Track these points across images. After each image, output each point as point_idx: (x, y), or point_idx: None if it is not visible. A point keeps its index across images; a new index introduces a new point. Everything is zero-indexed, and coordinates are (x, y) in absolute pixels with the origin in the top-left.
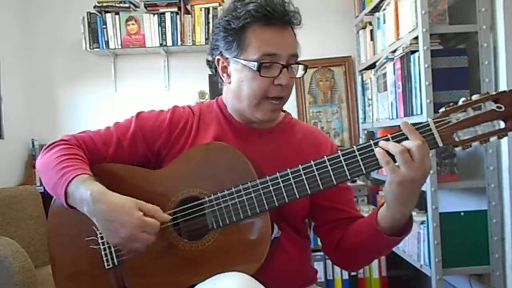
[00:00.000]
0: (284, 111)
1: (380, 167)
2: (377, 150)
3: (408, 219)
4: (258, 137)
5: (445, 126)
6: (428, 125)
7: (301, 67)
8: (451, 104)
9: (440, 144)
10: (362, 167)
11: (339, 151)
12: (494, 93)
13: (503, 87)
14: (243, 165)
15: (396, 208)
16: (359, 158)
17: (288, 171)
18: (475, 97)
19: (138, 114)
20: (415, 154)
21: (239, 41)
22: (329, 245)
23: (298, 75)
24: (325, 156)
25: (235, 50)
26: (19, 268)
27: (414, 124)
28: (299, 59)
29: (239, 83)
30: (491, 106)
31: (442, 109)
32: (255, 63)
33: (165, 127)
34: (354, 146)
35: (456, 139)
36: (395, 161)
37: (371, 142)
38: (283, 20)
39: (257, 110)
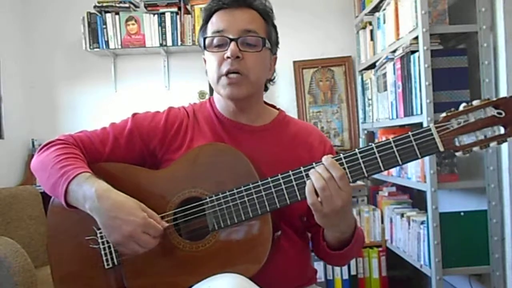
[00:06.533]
0: (278, 109)
1: (381, 171)
2: (308, 183)
3: (351, 231)
4: (250, 135)
5: (446, 131)
6: (430, 129)
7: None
8: (452, 109)
9: (441, 149)
10: (364, 170)
11: (341, 154)
12: (494, 99)
13: (503, 87)
14: (245, 166)
15: (331, 229)
16: (360, 161)
17: (290, 172)
18: (475, 102)
19: (134, 114)
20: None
21: (203, 31)
22: (313, 244)
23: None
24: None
25: (202, 41)
26: (19, 268)
27: (415, 129)
28: (298, 59)
29: (206, 67)
30: (491, 112)
31: (443, 114)
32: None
33: (161, 127)
34: (356, 149)
35: (457, 144)
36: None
37: (373, 145)
38: (235, 2)
39: (219, 87)
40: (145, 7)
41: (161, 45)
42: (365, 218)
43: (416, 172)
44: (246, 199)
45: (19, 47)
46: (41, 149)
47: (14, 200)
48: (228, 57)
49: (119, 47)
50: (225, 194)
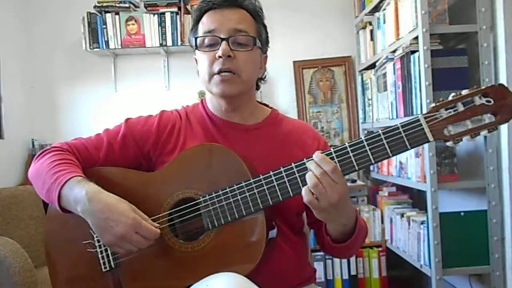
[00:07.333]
0: (271, 108)
1: (372, 163)
2: (304, 188)
3: (353, 223)
4: (243, 134)
5: (435, 121)
6: (419, 120)
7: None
8: (441, 99)
9: (431, 139)
10: (354, 163)
11: (331, 149)
12: (483, 87)
13: None
14: (238, 165)
15: (332, 223)
16: (351, 154)
17: (282, 169)
18: (464, 91)
19: (127, 120)
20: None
21: (194, 31)
22: (317, 239)
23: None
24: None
25: (193, 41)
26: (19, 268)
27: (406, 120)
28: (298, 59)
29: (198, 67)
30: (480, 100)
31: (432, 105)
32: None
33: (154, 130)
34: (346, 143)
35: (447, 133)
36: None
37: (363, 138)
38: (225, 2)
39: (211, 86)
40: (145, 7)
41: (161, 45)
42: (365, 218)
43: (416, 172)
44: (239, 197)
45: (19, 47)
46: (37, 157)
47: (14, 200)
48: (219, 57)
49: (119, 47)
50: (218, 193)
